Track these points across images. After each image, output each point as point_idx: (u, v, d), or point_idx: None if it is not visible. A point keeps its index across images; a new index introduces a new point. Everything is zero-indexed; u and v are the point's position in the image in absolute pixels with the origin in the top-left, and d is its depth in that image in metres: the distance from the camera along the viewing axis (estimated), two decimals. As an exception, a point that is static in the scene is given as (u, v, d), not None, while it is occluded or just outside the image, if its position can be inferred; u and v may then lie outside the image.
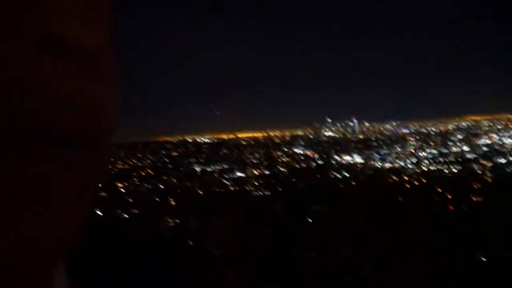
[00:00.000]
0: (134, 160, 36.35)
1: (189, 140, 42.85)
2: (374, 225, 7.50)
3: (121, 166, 34.73)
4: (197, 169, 35.87)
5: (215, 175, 34.37)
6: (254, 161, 37.05)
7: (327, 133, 44.17)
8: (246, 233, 6.65)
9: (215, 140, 42.88)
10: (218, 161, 36.98)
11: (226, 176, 33.72)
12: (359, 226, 7.32)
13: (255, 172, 34.56)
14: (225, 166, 36.05)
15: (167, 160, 37.49)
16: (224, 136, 44.45)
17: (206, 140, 42.55)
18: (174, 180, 32.18)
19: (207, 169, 35.83)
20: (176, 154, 38.83)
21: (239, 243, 6.44)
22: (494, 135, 38.64)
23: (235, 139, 43.27)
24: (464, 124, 41.76)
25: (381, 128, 44.28)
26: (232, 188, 29.01)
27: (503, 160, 34.21)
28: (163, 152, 38.80)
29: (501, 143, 37.54)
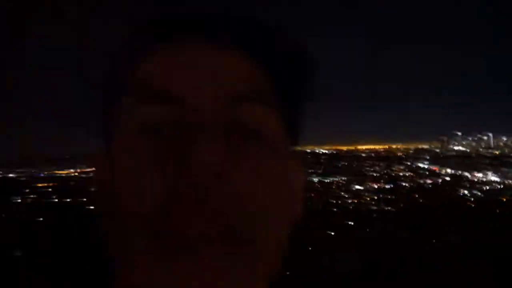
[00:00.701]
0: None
1: (308, 150, 43.13)
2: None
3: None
4: (315, 180, 35.87)
5: (333, 187, 33.99)
6: (374, 175, 35.83)
7: (456, 147, 40.84)
8: (367, 256, 6.47)
9: (334, 152, 42.47)
10: (336, 173, 36.55)
11: (344, 188, 33.14)
12: (498, 260, 6.64)
13: (375, 185, 33.38)
14: (343, 178, 35.45)
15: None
16: (343, 148, 43.83)
17: (325, 151, 42.39)
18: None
19: (325, 180, 35.61)
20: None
21: (352, 265, 6.30)
22: None
23: (355, 151, 42.35)
24: None
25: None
26: (350, 201, 28.42)
27: None
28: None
29: None
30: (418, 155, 39.87)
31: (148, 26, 0.53)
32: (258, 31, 0.51)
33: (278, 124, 0.49)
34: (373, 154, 41.04)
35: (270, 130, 0.47)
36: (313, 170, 37.30)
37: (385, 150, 42.54)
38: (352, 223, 14.12)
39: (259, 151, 0.46)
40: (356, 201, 28.36)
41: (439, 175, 35.87)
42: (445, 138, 41.90)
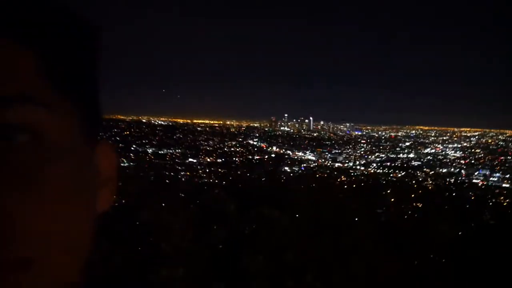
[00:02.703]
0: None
1: (144, 120, 41.94)
2: (321, 229, 7.68)
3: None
4: (149, 151, 35.20)
5: (167, 159, 33.88)
6: (208, 149, 36.87)
7: (282, 128, 44.66)
8: (196, 228, 6.61)
9: (170, 123, 42.23)
10: (171, 145, 36.46)
11: (178, 161, 33.34)
12: (306, 230, 7.47)
13: (208, 159, 34.41)
14: (178, 151, 35.61)
15: (117, 139, 36.53)
16: (180, 120, 43.88)
17: (161, 122, 41.83)
18: (124, 160, 31.41)
19: (159, 152, 35.24)
20: (128, 133, 37.91)
21: (190, 239, 6.38)
22: (439, 146, 40.60)
23: (191, 125, 42.82)
24: (413, 132, 43.54)
25: (335, 128, 45.33)
26: (183, 173, 28.72)
27: (445, 170, 36.04)
28: (115, 130, 37.78)
29: (444, 153, 39.50)
30: (250, 132, 42.40)
31: None
32: (17, 12, 0.40)
33: (63, 120, 0.41)
34: (208, 129, 42.11)
35: (50, 130, 0.40)
36: (148, 141, 36.54)
37: (220, 125, 44.03)
38: (184, 195, 14.26)
39: (34, 157, 0.38)
40: (188, 173, 28.82)
41: (266, 152, 38.83)
42: (274, 119, 45.44)
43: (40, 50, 0.40)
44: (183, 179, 25.38)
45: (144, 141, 36.36)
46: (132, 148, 34.70)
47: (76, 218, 0.40)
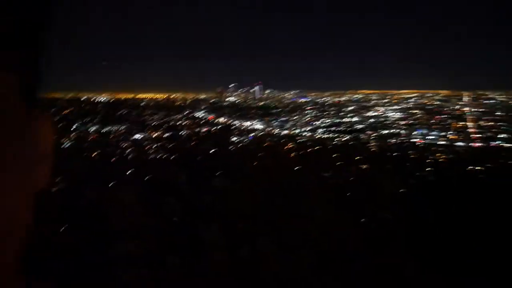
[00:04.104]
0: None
1: (83, 98, 40.11)
2: (272, 195, 7.81)
3: None
4: (92, 129, 33.88)
5: (112, 137, 32.81)
6: (154, 123, 36.05)
7: (229, 98, 44.41)
8: (148, 203, 6.47)
9: (112, 100, 40.72)
10: (114, 122, 35.28)
11: (124, 138, 32.39)
12: (258, 198, 7.57)
13: (154, 134, 33.69)
14: (122, 128, 34.55)
15: (56, 119, 34.78)
16: (122, 96, 42.39)
17: (102, 99, 40.21)
18: (65, 140, 30.07)
19: (102, 130, 34.02)
20: (68, 112, 36.18)
21: (142, 214, 6.26)
22: (381, 108, 42.14)
23: (134, 100, 41.53)
24: (356, 97, 44.79)
25: (281, 96, 45.70)
26: (130, 150, 28.00)
27: (386, 131, 37.57)
28: (53, 109, 35.89)
29: (385, 115, 41.08)
30: (196, 104, 41.83)
31: None
32: None
33: (5, 77, 0.37)
34: (152, 103, 41.05)
35: None
36: (89, 119, 35.11)
37: (164, 99, 43.04)
38: (131, 171, 13.95)
39: None
40: (135, 149, 28.12)
41: (214, 123, 38.59)
42: (220, 89, 45.00)
43: None
44: (129, 156, 24.75)
45: (85, 120, 34.91)
46: (73, 128, 33.25)
47: (5, 194, 0.36)
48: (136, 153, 25.72)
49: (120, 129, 34.17)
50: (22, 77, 0.39)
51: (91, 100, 39.64)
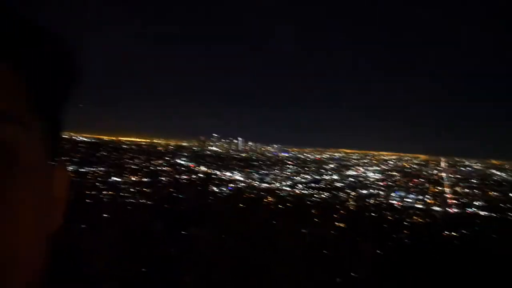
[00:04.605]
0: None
1: (64, 136, 39.70)
2: (248, 249, 7.72)
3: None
4: (70, 168, 33.24)
5: (89, 177, 32.24)
6: (134, 167, 35.69)
7: (211, 148, 44.55)
8: (122, 249, 6.32)
9: (94, 140, 40.43)
10: (94, 163, 34.82)
11: (101, 180, 31.84)
12: (234, 250, 7.47)
13: (133, 178, 33.25)
14: (101, 169, 34.07)
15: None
16: (105, 137, 42.17)
17: (84, 139, 39.91)
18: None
19: (80, 170, 33.46)
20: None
21: (116, 259, 6.09)
22: (360, 168, 42.70)
23: (116, 142, 41.30)
24: (337, 155, 45.45)
25: (263, 149, 46.08)
26: (106, 193, 27.46)
27: (365, 191, 37.85)
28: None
29: (365, 175, 41.56)
30: (178, 151, 41.77)
31: None
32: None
33: (33, 140, 0.41)
34: (134, 147, 40.86)
35: (23, 147, 0.39)
36: (68, 158, 34.59)
37: (147, 143, 42.94)
38: (108, 215, 13.66)
39: (5, 173, 0.37)
40: (112, 193, 27.61)
41: (194, 171, 38.39)
42: (203, 138, 45.26)
43: (23, 70, 0.39)
44: (105, 199, 24.26)
45: (63, 158, 34.32)
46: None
47: (29, 236, 0.38)
48: (113, 197, 25.24)
49: (98, 170, 33.68)
50: (53, 129, 0.44)
51: (72, 138, 39.29)
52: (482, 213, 33.62)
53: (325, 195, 36.10)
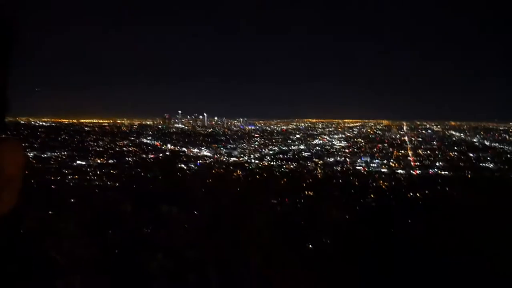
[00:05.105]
0: None
1: (22, 121, 38.26)
2: (219, 223, 7.78)
3: None
4: (30, 155, 32.22)
5: (52, 162, 31.36)
6: (98, 149, 34.92)
7: (177, 125, 44.04)
8: (92, 234, 6.23)
9: (54, 124, 39.14)
10: (56, 147, 33.82)
11: (65, 164, 31.03)
12: (204, 226, 7.51)
13: (98, 161, 32.59)
14: (64, 153, 33.17)
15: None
16: (65, 121, 40.87)
17: (43, 123, 38.55)
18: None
19: (42, 155, 32.45)
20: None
21: (85, 246, 6.00)
22: (326, 137, 43.39)
23: (78, 125, 40.15)
24: (302, 125, 45.91)
25: (230, 124, 45.96)
26: (70, 177, 26.81)
27: (331, 159, 38.62)
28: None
29: (330, 143, 42.31)
30: (142, 130, 41.07)
31: None
32: None
33: None
34: (97, 129, 39.88)
35: None
36: (28, 144, 33.41)
37: (109, 124, 41.96)
38: (73, 200, 13.38)
39: None
40: (77, 177, 26.99)
41: (161, 150, 37.96)
42: (167, 116, 44.59)
43: None
44: (71, 183, 23.72)
45: (24, 144, 33.14)
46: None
47: None
48: (78, 180, 24.68)
49: (61, 155, 32.77)
50: None
51: (31, 123, 37.88)
52: (443, 173, 35.04)
53: (293, 165, 36.58)
